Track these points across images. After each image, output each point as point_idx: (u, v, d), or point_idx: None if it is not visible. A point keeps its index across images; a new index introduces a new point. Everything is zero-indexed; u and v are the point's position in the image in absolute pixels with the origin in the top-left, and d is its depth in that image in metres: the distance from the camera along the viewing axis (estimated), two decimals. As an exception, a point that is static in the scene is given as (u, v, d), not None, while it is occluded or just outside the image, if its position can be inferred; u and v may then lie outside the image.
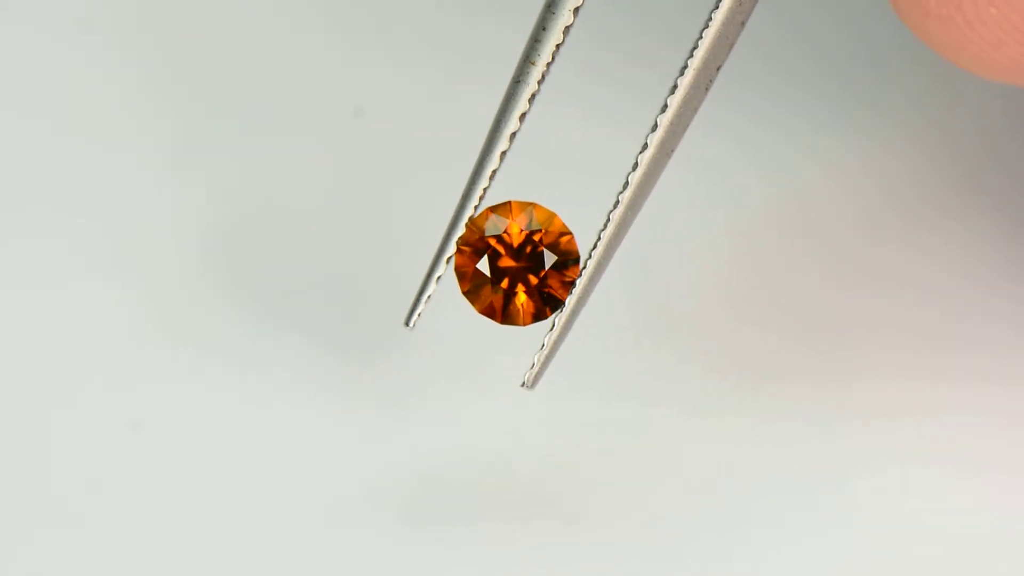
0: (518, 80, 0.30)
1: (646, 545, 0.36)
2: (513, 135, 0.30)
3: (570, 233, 0.30)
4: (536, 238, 0.30)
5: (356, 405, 0.37)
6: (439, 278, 0.31)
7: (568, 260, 0.30)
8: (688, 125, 0.30)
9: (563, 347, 0.31)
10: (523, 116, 0.30)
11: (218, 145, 0.38)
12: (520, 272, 0.30)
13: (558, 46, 0.30)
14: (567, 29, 0.30)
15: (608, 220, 0.30)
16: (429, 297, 0.31)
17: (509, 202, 0.30)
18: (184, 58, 0.39)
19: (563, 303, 0.30)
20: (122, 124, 0.39)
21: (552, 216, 0.30)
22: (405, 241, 0.37)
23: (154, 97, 0.39)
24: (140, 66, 0.39)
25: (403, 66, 0.39)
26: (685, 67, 0.30)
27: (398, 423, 0.36)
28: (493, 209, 0.30)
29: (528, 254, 0.30)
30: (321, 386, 0.37)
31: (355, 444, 0.36)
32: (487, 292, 0.30)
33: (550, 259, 0.30)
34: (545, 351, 0.31)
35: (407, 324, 0.31)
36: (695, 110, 0.30)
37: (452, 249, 0.31)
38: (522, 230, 0.30)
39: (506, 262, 0.30)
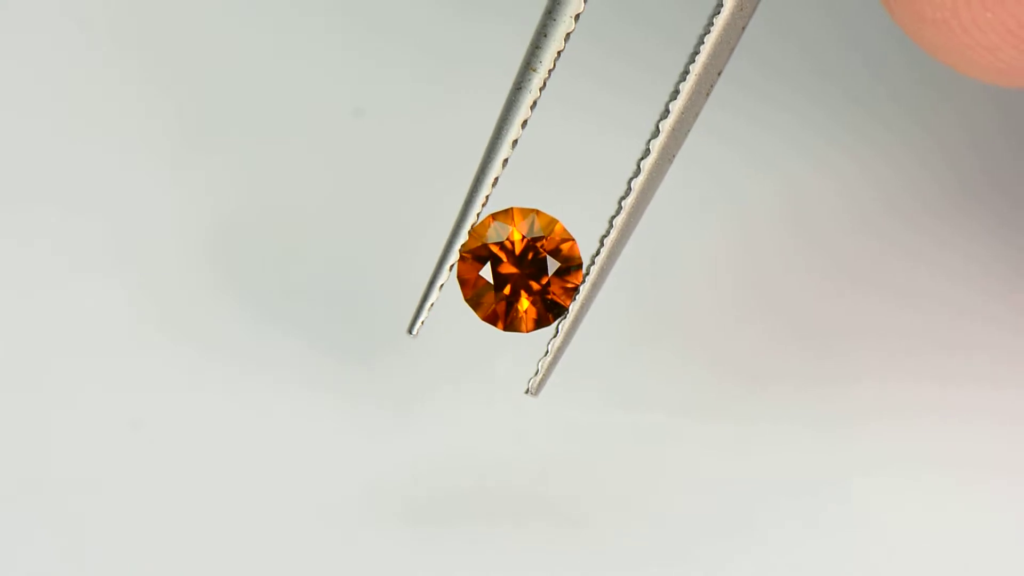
0: (519, 86, 0.30)
1: (647, 549, 0.36)
2: (515, 142, 0.30)
3: (572, 239, 0.30)
4: (538, 245, 0.30)
5: (358, 410, 0.37)
6: (442, 285, 0.31)
7: (571, 266, 0.30)
8: (689, 130, 0.30)
9: (565, 353, 0.31)
10: (525, 122, 0.30)
11: (220, 147, 0.38)
12: (522, 279, 0.30)
13: (559, 52, 0.30)
14: (568, 35, 0.30)
15: (610, 226, 0.30)
16: (432, 304, 0.31)
17: (511, 209, 0.30)
18: (184, 59, 0.39)
19: (566, 309, 0.30)
20: (122, 125, 0.39)
21: (554, 222, 0.30)
22: (407, 248, 0.37)
23: (156, 99, 0.39)
24: (140, 66, 0.39)
25: (404, 73, 0.39)
26: (686, 72, 0.30)
27: (400, 428, 0.36)
28: (495, 216, 0.30)
29: (530, 261, 0.30)
30: (323, 390, 0.37)
31: (357, 448, 0.36)
32: (490, 299, 0.30)
33: (552, 266, 0.30)
34: (549, 358, 0.30)
35: (410, 332, 0.31)
36: (696, 115, 0.30)
37: (455, 256, 0.30)
38: (524, 237, 0.30)
39: (508, 269, 0.30)
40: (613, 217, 0.30)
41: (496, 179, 0.30)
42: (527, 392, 0.31)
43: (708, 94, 0.30)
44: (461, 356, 0.37)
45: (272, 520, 0.36)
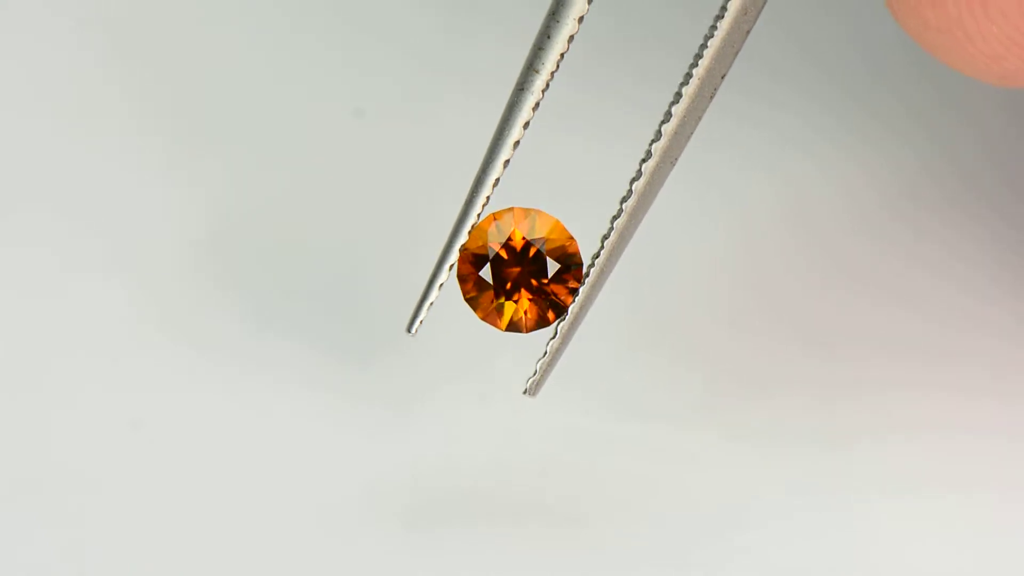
0: (522, 88, 0.30)
1: (646, 550, 0.36)
2: (516, 143, 0.30)
3: (573, 240, 0.30)
4: (539, 245, 0.30)
5: (358, 410, 0.37)
6: (442, 285, 0.31)
7: (571, 267, 0.30)
8: (691, 134, 0.30)
9: (563, 355, 0.31)
10: (527, 124, 0.30)
11: (220, 147, 0.38)
12: (523, 279, 0.30)
13: (562, 54, 0.30)
14: (571, 38, 0.30)
15: (611, 228, 0.30)
16: (431, 304, 0.31)
17: (512, 209, 0.30)
18: (183, 60, 0.39)
19: (566, 310, 0.30)
20: (122, 125, 0.39)
21: (555, 223, 0.30)
22: (408, 247, 0.37)
23: (156, 100, 0.39)
24: (139, 68, 0.39)
25: (405, 73, 0.39)
26: (689, 76, 0.30)
27: (399, 428, 0.36)
28: (496, 216, 0.30)
29: (531, 261, 0.30)
30: (322, 390, 0.37)
31: (355, 448, 0.36)
32: (489, 299, 0.30)
33: (553, 266, 0.30)
34: (547, 358, 0.30)
35: (409, 331, 0.31)
36: (698, 119, 0.30)
37: (455, 256, 0.30)
38: (525, 237, 0.30)
39: (509, 269, 0.30)
40: (614, 218, 0.30)
41: (497, 180, 0.30)
42: (525, 393, 0.31)
43: (711, 98, 0.30)
44: (460, 356, 0.37)
45: (272, 520, 0.36)
